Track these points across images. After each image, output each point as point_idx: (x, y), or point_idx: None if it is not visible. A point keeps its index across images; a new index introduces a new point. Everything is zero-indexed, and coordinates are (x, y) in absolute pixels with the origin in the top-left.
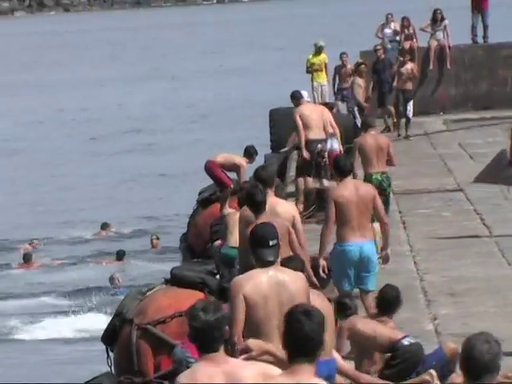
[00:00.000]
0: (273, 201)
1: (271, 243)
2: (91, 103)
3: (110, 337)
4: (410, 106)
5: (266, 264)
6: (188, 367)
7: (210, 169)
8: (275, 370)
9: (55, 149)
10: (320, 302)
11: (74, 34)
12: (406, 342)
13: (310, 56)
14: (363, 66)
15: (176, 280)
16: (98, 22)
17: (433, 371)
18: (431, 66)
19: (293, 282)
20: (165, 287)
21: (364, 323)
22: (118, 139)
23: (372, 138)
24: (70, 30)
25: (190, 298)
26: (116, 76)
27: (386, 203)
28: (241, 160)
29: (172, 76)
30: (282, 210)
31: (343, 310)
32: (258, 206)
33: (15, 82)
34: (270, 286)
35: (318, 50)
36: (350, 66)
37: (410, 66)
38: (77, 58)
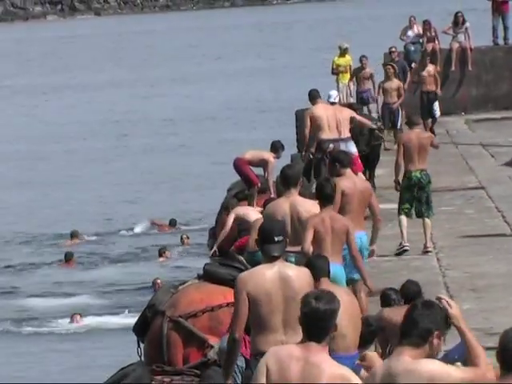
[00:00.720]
0: (295, 199)
1: (277, 239)
2: (122, 105)
3: (141, 328)
4: (436, 106)
5: (271, 259)
6: None
7: (238, 166)
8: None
9: (88, 149)
10: (347, 299)
11: (106, 37)
12: None
13: (336, 58)
14: (389, 66)
15: (208, 276)
16: (128, 26)
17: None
18: (453, 68)
19: (297, 276)
20: (197, 282)
21: (393, 312)
22: (147, 140)
23: (415, 136)
24: (101, 33)
25: (221, 294)
26: (146, 78)
27: (427, 200)
28: (268, 155)
29: (198, 78)
30: (304, 209)
31: (386, 300)
32: (325, 199)
33: (49, 83)
34: (273, 282)
35: (343, 52)
36: (368, 70)
37: (431, 67)
38: (108, 61)
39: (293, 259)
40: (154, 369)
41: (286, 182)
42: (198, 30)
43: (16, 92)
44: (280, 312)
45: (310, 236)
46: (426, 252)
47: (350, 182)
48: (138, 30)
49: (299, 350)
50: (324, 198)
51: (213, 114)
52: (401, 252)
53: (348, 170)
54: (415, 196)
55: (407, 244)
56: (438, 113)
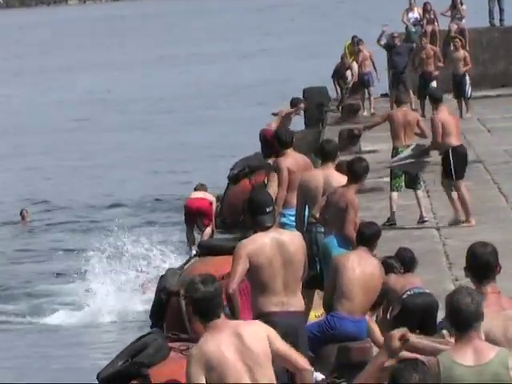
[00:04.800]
0: (330, 173)
1: (268, 210)
2: (142, 82)
3: (158, 312)
4: (468, 85)
5: (265, 229)
6: None
7: (270, 136)
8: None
9: (98, 124)
10: (370, 269)
11: (124, 20)
12: (405, 295)
13: (348, 43)
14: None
15: (208, 250)
16: (146, 9)
17: (445, 331)
18: (452, 48)
19: (292, 240)
20: (200, 258)
21: (398, 280)
22: (160, 116)
23: (402, 114)
24: (120, 16)
25: (227, 263)
26: (160, 57)
27: (416, 175)
28: (286, 109)
29: (209, 56)
30: (337, 183)
31: (388, 269)
32: (354, 175)
33: (65, 63)
34: (272, 247)
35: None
36: (366, 51)
37: (462, 52)
38: (126, 42)
39: (322, 229)
40: (170, 336)
41: (324, 156)
42: (194, 13)
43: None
44: (280, 275)
45: (322, 203)
46: (422, 222)
47: (292, 159)
48: (157, 12)
49: (216, 334)
50: (351, 173)
51: (219, 91)
52: (389, 224)
53: (289, 150)
54: (404, 171)
55: (395, 221)
56: (469, 92)
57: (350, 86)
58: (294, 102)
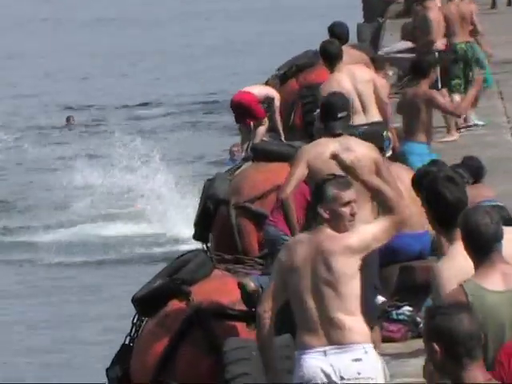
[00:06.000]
0: (349, 70)
1: (340, 115)
2: None
3: (204, 222)
4: None
5: (334, 136)
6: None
7: None
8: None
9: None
10: (409, 179)
11: None
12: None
13: None
14: None
15: (263, 155)
16: None
17: None
18: None
19: (358, 147)
20: (253, 164)
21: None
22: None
23: (455, 7)
24: None
25: (283, 170)
26: None
27: (470, 74)
28: None
29: None
30: (363, 76)
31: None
32: (420, 71)
33: None
34: (335, 152)
35: None
36: None
37: None
38: None
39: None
40: (212, 257)
41: (333, 59)
42: None
43: None
44: None
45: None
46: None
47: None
48: None
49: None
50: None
51: None
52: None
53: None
54: (462, 70)
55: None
56: None
57: None
58: None
